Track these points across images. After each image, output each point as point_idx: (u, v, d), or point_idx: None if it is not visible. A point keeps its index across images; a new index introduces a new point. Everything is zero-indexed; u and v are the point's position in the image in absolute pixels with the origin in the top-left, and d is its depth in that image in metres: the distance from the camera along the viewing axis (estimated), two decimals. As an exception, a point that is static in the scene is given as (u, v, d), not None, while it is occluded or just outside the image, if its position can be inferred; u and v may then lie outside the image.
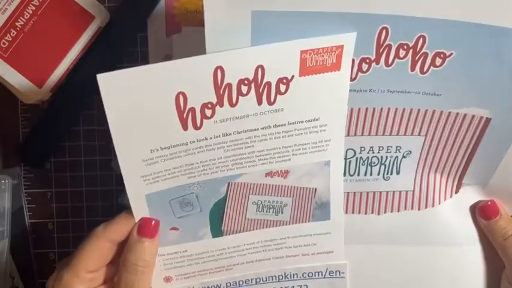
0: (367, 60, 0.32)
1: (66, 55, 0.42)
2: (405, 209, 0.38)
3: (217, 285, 0.38)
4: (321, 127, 0.33)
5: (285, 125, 0.32)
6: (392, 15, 0.30)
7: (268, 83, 0.30)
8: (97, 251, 0.34)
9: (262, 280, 0.39)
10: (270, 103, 0.31)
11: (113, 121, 0.30)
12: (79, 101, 0.44)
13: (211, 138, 0.32)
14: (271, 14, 0.30)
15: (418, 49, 0.32)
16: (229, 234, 0.36)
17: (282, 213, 0.36)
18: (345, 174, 0.37)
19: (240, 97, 0.30)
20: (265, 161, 0.34)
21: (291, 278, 0.39)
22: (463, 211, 0.39)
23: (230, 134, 0.32)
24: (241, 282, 0.38)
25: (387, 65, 0.33)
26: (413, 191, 0.38)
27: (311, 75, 0.31)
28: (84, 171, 0.45)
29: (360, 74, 0.33)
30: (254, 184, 0.35)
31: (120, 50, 0.44)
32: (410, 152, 0.37)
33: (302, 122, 0.33)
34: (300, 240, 0.37)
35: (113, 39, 0.43)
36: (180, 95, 0.30)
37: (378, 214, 0.39)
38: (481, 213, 0.38)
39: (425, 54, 0.32)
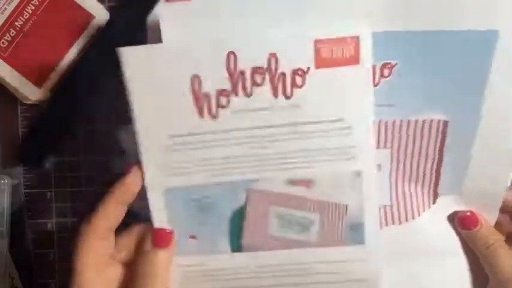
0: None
1: (66, 55, 0.41)
2: (386, 225, 0.37)
3: None
4: (345, 129, 0.32)
5: (305, 124, 0.31)
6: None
7: (283, 74, 0.30)
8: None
9: None
10: (286, 96, 0.31)
11: (134, 102, 0.31)
12: (79, 101, 0.44)
13: (228, 131, 0.31)
14: None
15: None
16: (250, 250, 0.34)
17: (308, 232, 0.34)
18: None
19: (254, 87, 0.31)
20: (285, 165, 0.32)
21: None
22: (443, 222, 0.37)
23: (247, 129, 0.32)
24: None
25: None
26: (392, 206, 0.36)
27: (328, 67, 0.30)
28: (84, 172, 0.45)
29: None
30: (274, 193, 0.33)
31: (120, 50, 0.44)
32: (380, 166, 0.35)
33: (324, 122, 0.31)
34: (329, 267, 0.34)
35: (113, 39, 0.43)
36: (196, 78, 0.30)
37: None
38: (461, 224, 0.37)
39: (373, 67, 0.32)
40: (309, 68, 0.30)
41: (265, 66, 0.30)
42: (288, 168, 0.32)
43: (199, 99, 0.31)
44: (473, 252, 0.37)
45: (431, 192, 0.37)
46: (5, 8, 0.41)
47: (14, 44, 0.41)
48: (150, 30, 0.43)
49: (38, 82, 0.41)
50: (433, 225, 0.37)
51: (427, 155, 0.35)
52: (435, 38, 0.32)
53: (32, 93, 0.41)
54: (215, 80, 0.30)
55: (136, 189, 0.34)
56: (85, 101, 0.44)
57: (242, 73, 0.30)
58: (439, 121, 0.34)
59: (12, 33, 0.41)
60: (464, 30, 0.31)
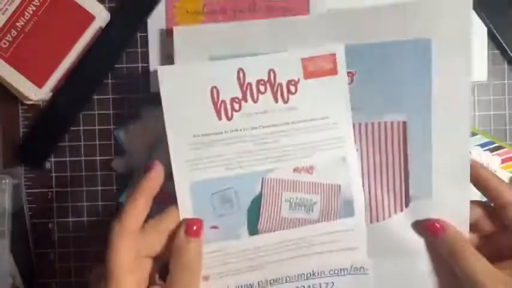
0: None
1: (66, 55, 0.42)
2: None
3: (249, 284, 0.39)
4: (333, 125, 0.39)
5: (300, 122, 0.38)
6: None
7: (280, 84, 0.38)
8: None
9: (292, 279, 0.40)
10: (284, 101, 0.38)
11: (166, 108, 0.37)
12: (79, 101, 0.44)
13: (241, 130, 0.38)
14: None
15: None
16: (265, 232, 0.39)
17: (312, 211, 0.39)
18: None
19: (259, 95, 0.38)
20: (291, 156, 0.39)
21: (318, 275, 0.40)
22: (413, 226, 0.39)
23: (257, 128, 0.38)
24: (272, 281, 0.40)
25: None
26: (365, 205, 0.39)
27: (314, 78, 0.38)
28: (84, 171, 0.45)
29: None
30: (285, 180, 0.39)
31: (120, 50, 0.44)
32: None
33: (315, 119, 0.39)
34: (328, 237, 0.40)
35: (113, 39, 0.43)
36: (214, 89, 0.38)
37: None
38: (427, 231, 0.38)
39: None
40: (299, 79, 0.38)
41: (266, 78, 0.38)
42: (293, 158, 0.39)
43: (217, 105, 0.38)
44: (443, 260, 0.38)
45: (403, 195, 0.39)
46: (6, 9, 0.41)
47: (15, 45, 0.41)
48: (150, 31, 0.44)
49: (39, 82, 0.41)
50: (405, 228, 0.39)
51: (393, 157, 0.39)
52: (381, 48, 0.38)
53: (32, 93, 0.42)
54: (229, 90, 0.38)
55: (160, 183, 0.36)
56: (85, 101, 0.44)
57: (249, 84, 0.38)
58: (398, 122, 0.39)
59: (13, 33, 0.41)
60: (404, 40, 0.38)
